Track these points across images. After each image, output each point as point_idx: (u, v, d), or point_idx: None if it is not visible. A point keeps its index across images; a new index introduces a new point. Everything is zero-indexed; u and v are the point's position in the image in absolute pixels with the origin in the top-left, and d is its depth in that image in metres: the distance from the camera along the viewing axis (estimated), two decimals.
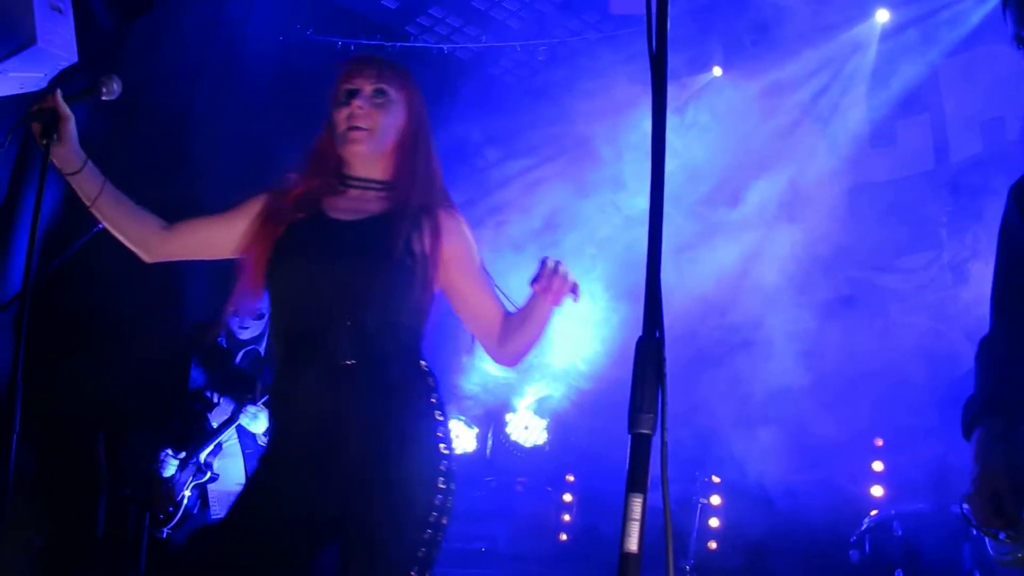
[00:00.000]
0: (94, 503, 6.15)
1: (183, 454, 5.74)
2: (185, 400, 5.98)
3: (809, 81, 8.33)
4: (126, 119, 5.73)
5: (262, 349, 6.07)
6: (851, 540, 6.33)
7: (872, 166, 8.22)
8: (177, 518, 5.67)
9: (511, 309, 3.05)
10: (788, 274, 7.59)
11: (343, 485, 2.75)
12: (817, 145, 8.15)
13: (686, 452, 6.87)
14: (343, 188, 3.13)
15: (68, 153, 3.00)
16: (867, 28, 8.05)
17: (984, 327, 3.08)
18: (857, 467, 7.26)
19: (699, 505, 7.30)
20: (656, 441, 1.81)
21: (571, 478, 8.85)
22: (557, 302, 2.81)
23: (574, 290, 2.79)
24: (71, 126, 2.99)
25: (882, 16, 7.91)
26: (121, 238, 3.15)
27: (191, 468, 5.74)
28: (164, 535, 5.67)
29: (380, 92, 3.08)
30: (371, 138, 3.04)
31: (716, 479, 7.58)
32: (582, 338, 8.24)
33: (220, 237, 3.14)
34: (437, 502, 2.78)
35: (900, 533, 6.04)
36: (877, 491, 7.13)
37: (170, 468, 5.69)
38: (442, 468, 2.83)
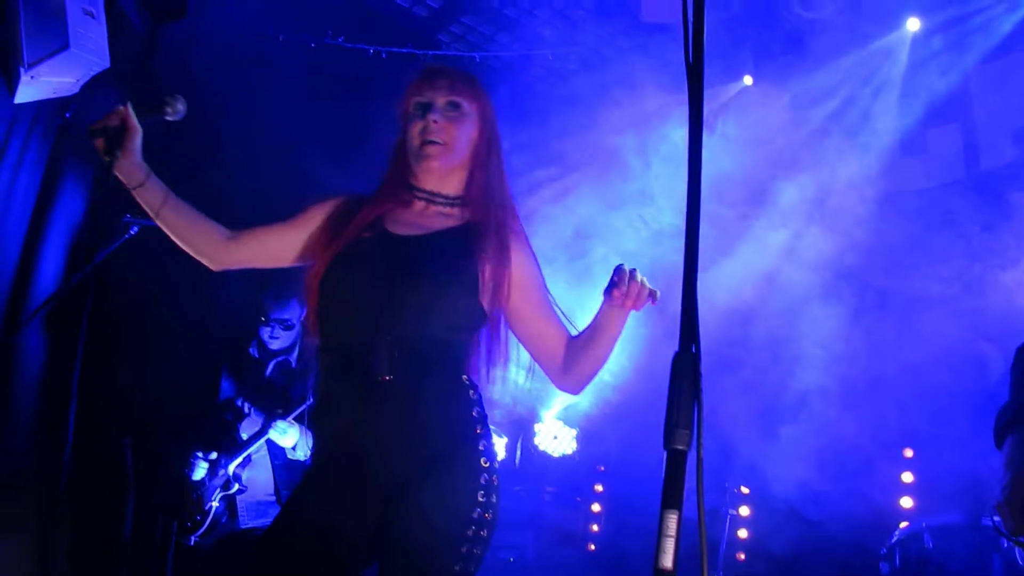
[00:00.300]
0: (122, 508, 6.17)
1: (213, 454, 5.75)
2: (216, 408, 5.99)
3: (839, 90, 8.29)
4: (157, 124, 5.76)
5: (293, 360, 6.06)
6: (881, 552, 6.29)
7: (903, 175, 8.17)
8: (205, 526, 5.68)
9: (574, 333, 3.01)
10: (817, 283, 7.56)
11: (379, 501, 2.75)
12: (847, 154, 8.11)
13: (713, 462, 6.86)
14: (409, 200, 3.11)
15: (132, 166, 3.01)
16: (898, 37, 8.01)
17: (1017, 336, 3.05)
18: (887, 478, 7.23)
19: (728, 516, 7.29)
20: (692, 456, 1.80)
21: (600, 488, 8.85)
22: (638, 307, 2.75)
23: (652, 295, 2.74)
24: (137, 140, 3.01)
25: (913, 25, 7.86)
26: (186, 248, 3.16)
27: (220, 476, 5.75)
28: (192, 543, 5.69)
29: (454, 105, 3.06)
30: (447, 153, 3.02)
31: (745, 490, 7.56)
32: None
33: (284, 246, 3.14)
34: (476, 515, 2.75)
35: (931, 545, 6.00)
36: (907, 502, 7.10)
37: (199, 471, 5.69)
38: (482, 481, 2.80)
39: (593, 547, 8.70)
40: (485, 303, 2.95)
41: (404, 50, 8.06)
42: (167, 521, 5.79)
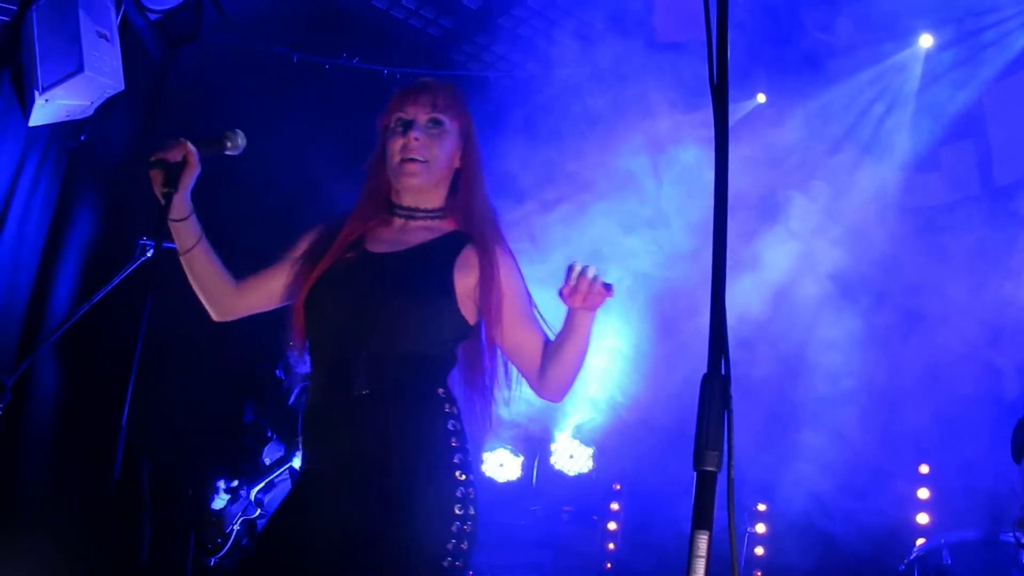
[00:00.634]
0: (139, 529, 6.17)
1: (235, 482, 5.75)
2: (239, 433, 6.00)
3: (852, 107, 8.29)
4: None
5: None
6: (899, 569, 6.26)
7: (917, 191, 8.17)
8: (226, 549, 5.69)
9: (551, 337, 3.01)
10: (831, 301, 7.55)
11: (361, 516, 2.73)
12: (861, 171, 8.11)
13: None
14: (389, 217, 3.12)
15: (180, 202, 3.02)
16: (911, 54, 8.00)
17: None
18: (903, 494, 7.21)
19: (746, 534, 7.27)
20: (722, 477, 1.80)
21: (615, 506, 8.83)
22: (591, 305, 2.75)
23: (607, 287, 2.73)
24: (195, 176, 3.02)
25: (925, 41, 7.86)
26: (200, 291, 3.20)
27: (242, 501, 5.75)
28: (212, 564, 5.69)
29: (436, 122, 3.05)
30: (427, 170, 3.02)
31: (762, 507, 7.53)
32: (620, 371, 8.20)
33: (279, 285, 3.16)
34: (455, 529, 2.74)
35: (949, 562, 5.97)
36: (923, 519, 7.07)
37: (220, 500, 5.71)
38: (459, 495, 2.79)
39: (609, 565, 8.68)
40: (467, 314, 2.96)
41: (418, 70, 8.07)
42: (184, 542, 5.80)
